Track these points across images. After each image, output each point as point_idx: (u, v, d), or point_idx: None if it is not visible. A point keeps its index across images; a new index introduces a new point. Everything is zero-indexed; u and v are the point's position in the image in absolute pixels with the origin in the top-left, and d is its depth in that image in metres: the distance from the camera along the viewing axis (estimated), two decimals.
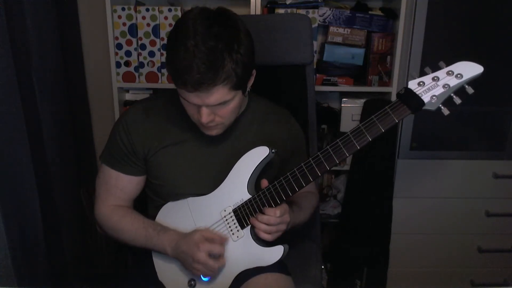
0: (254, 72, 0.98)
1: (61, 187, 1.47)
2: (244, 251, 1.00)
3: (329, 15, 1.72)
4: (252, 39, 0.92)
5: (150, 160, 1.06)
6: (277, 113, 1.14)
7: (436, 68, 0.86)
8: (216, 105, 0.90)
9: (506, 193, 1.75)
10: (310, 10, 1.69)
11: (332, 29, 1.74)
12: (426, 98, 0.85)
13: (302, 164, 0.93)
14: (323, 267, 1.74)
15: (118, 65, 1.75)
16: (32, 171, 1.26)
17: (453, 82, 0.84)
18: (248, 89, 0.99)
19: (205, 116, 0.92)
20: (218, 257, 0.99)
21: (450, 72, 0.85)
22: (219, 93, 0.88)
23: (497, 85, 1.64)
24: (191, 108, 0.94)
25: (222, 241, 1.00)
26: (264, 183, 0.98)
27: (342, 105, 1.79)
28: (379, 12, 1.77)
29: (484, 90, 1.61)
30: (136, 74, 1.77)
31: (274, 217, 0.95)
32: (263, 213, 0.96)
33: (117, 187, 1.08)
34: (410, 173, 1.74)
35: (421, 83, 0.86)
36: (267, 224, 0.95)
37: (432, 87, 0.85)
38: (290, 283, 1.05)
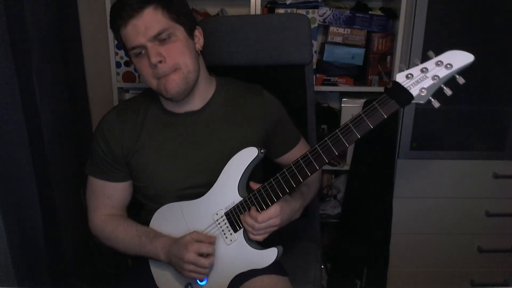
0: (199, 28, 1.03)
1: (61, 187, 1.47)
2: (238, 254, 1.00)
3: (329, 15, 1.72)
4: None
5: (130, 163, 1.06)
6: (248, 88, 1.14)
7: (425, 59, 0.83)
8: (157, 37, 0.92)
9: (506, 193, 1.75)
10: (310, 10, 1.69)
11: (332, 29, 1.73)
12: (414, 91, 0.82)
13: (292, 164, 0.93)
14: (323, 267, 1.74)
15: (118, 65, 1.75)
16: (32, 171, 1.25)
17: (443, 72, 0.81)
18: (199, 46, 1.02)
19: (153, 54, 0.93)
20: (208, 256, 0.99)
21: (439, 63, 0.81)
22: (152, 17, 0.92)
23: (497, 84, 1.64)
24: (143, 63, 0.95)
25: (210, 240, 1.00)
26: (254, 186, 0.98)
27: (342, 105, 1.79)
28: (379, 12, 1.77)
29: (484, 89, 1.63)
30: (136, 74, 1.77)
31: (258, 224, 0.95)
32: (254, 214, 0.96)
33: (104, 196, 1.09)
34: (410, 173, 1.74)
35: (409, 76, 0.82)
36: (253, 229, 0.96)
37: (421, 79, 0.82)
38: (286, 284, 1.05)
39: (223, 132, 1.06)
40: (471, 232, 1.82)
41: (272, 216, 0.95)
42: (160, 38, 0.93)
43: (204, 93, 1.08)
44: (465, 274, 1.88)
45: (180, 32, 0.96)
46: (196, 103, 1.06)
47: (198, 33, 1.03)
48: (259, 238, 0.97)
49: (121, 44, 0.99)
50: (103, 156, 1.06)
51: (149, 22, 0.92)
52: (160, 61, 0.94)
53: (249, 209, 0.96)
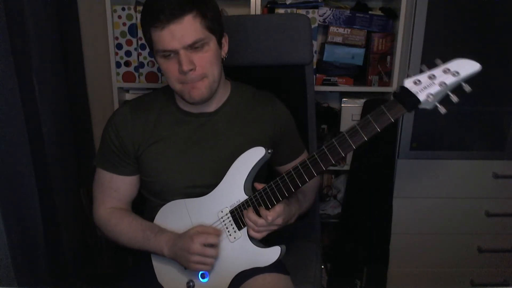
0: (226, 36, 1.04)
1: (61, 187, 1.47)
2: (242, 252, 1.00)
3: (329, 15, 1.72)
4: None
5: (140, 158, 1.07)
6: (260, 95, 1.16)
7: (432, 66, 0.85)
8: (192, 46, 0.93)
9: (506, 193, 1.75)
10: (310, 10, 1.69)
11: (332, 29, 1.74)
12: (422, 96, 0.84)
13: (298, 164, 0.93)
14: (323, 267, 1.74)
15: (118, 65, 1.75)
16: (32, 171, 1.26)
17: (450, 80, 0.83)
18: (224, 54, 1.03)
19: (185, 60, 0.93)
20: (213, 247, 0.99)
21: (446, 70, 0.83)
22: (191, 26, 0.91)
23: (497, 85, 1.64)
24: (172, 66, 0.96)
25: (216, 232, 1.00)
26: (258, 186, 0.99)
27: (342, 105, 1.79)
28: (379, 12, 1.77)
29: (484, 89, 1.63)
30: (136, 74, 1.77)
31: (262, 221, 0.95)
32: (258, 212, 0.97)
33: (112, 189, 1.09)
34: (410, 173, 1.74)
35: (417, 82, 0.84)
36: (256, 225, 0.96)
37: (428, 86, 0.84)
38: (288, 282, 1.06)
39: (233, 135, 1.07)
40: (471, 232, 1.82)
41: (280, 214, 0.96)
42: (194, 47, 0.94)
43: (220, 96, 1.09)
44: (465, 274, 1.88)
45: (213, 42, 0.97)
46: (211, 105, 1.08)
47: (225, 41, 1.04)
48: (259, 235, 0.98)
49: (147, 41, 0.98)
50: (114, 149, 1.07)
51: (187, 30, 0.92)
52: (191, 69, 0.95)
53: (254, 207, 0.97)
